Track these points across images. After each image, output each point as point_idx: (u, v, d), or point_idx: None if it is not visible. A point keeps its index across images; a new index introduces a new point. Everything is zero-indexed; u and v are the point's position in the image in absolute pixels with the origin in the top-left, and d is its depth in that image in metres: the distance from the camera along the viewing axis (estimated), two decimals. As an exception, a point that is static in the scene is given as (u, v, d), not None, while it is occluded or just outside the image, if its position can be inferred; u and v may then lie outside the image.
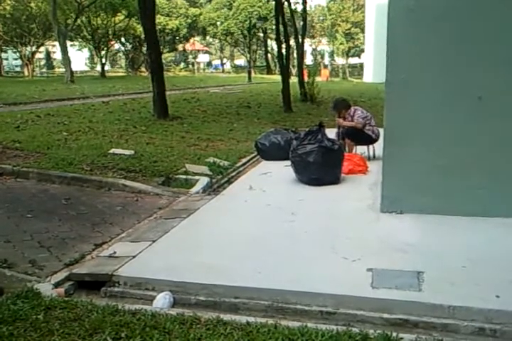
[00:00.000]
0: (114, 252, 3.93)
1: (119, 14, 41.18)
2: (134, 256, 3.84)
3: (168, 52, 57.35)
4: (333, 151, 6.14)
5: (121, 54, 61.48)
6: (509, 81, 4.36)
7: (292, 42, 20.35)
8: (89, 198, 5.64)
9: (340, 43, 57.38)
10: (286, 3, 19.40)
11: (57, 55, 62.00)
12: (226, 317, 2.93)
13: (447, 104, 4.52)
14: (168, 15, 49.69)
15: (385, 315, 3.01)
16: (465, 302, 2.99)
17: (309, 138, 6.23)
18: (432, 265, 3.51)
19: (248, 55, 49.95)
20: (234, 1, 54.19)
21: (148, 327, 2.75)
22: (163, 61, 14.28)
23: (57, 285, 3.44)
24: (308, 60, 58.53)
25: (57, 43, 37.08)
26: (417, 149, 4.66)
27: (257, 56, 67.43)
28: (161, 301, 3.23)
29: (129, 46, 50.80)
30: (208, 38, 64.40)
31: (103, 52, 44.82)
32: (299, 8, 24.05)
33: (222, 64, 72.80)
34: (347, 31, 56.26)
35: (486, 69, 4.37)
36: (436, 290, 3.14)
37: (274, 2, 18.14)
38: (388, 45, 4.55)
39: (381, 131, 5.24)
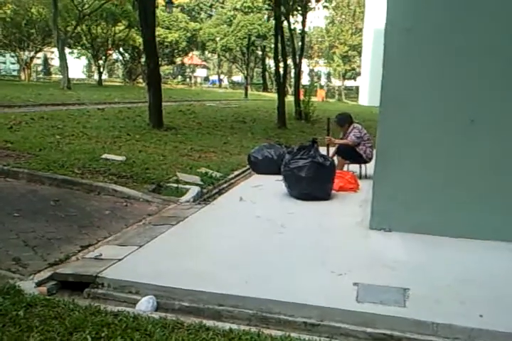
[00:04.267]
0: (100, 254, 3.89)
1: (119, 24, 41.40)
2: (119, 259, 3.80)
3: (167, 64, 57.63)
4: (325, 167, 6.17)
5: (119, 64, 61.70)
6: (502, 103, 4.42)
7: (290, 61, 20.55)
8: (78, 201, 5.60)
9: (337, 65, 58.04)
10: (285, 23, 19.69)
11: (55, 62, 62.12)
12: (209, 323, 2.90)
13: (440, 124, 4.57)
14: (168, 28, 50.06)
15: (369, 330, 3.00)
16: (449, 319, 2.98)
17: (302, 153, 6.26)
18: (418, 282, 3.52)
19: (245, 72, 50.36)
20: (234, 18, 54.82)
21: (129, 329, 2.72)
22: (161, 73, 14.35)
23: (40, 283, 3.40)
24: (305, 80, 59.06)
25: (55, 50, 37.20)
26: (408, 168, 4.70)
27: (255, 73, 68.00)
28: (145, 304, 3.19)
29: (128, 56, 51.01)
30: (206, 53, 64.96)
31: (101, 61, 44.97)
32: (298, 27, 24.33)
33: (220, 79, 73.23)
34: (344, 54, 56.93)
35: (480, 91, 4.44)
36: (421, 307, 3.14)
37: (274, 21, 18.39)
38: (384, 63, 4.61)
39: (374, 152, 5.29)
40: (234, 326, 2.90)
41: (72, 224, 4.79)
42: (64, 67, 30.66)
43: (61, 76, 32.49)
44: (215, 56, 65.85)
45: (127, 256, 3.89)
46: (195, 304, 3.25)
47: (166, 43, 49.47)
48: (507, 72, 4.39)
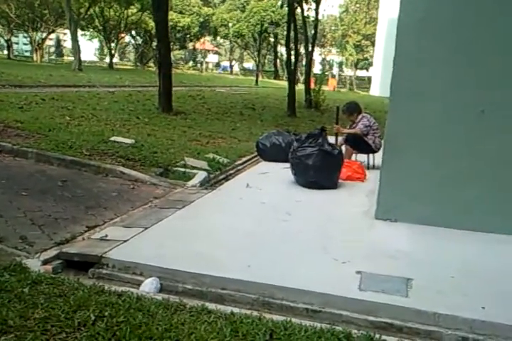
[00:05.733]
0: (106, 235, 3.92)
1: (132, 7, 41.19)
2: (125, 241, 3.83)
3: (178, 49, 57.48)
4: (333, 156, 6.14)
5: (130, 47, 61.62)
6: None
7: (302, 49, 20.39)
8: (85, 182, 5.63)
9: (350, 54, 57.57)
10: (299, 10, 19.48)
11: (68, 44, 62.12)
12: (211, 306, 2.92)
13: (449, 115, 4.53)
14: (180, 13, 49.84)
15: (370, 318, 3.00)
16: (451, 311, 2.98)
17: (310, 141, 6.23)
18: (422, 273, 3.51)
19: (257, 59, 50.06)
20: (247, 4, 54.42)
21: (132, 309, 2.74)
22: (172, 58, 14.34)
23: (45, 262, 3.42)
24: (317, 69, 58.65)
25: (68, 32, 37.13)
26: (416, 159, 4.67)
27: (266, 60, 67.63)
28: (148, 286, 3.22)
29: (140, 40, 50.89)
30: (218, 38, 64.59)
31: (113, 44, 44.88)
32: (312, 15, 24.04)
33: (231, 66, 72.92)
34: (357, 43, 56.44)
35: (492, 83, 4.38)
36: (423, 297, 3.14)
37: (287, 8, 18.22)
38: (396, 53, 4.57)
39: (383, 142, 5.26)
40: (236, 310, 2.92)
41: (79, 204, 4.82)
42: (76, 49, 30.70)
43: (73, 58, 32.50)
44: (227, 42, 65.53)
45: (132, 237, 3.92)
46: (198, 287, 3.28)
47: (178, 28, 49.30)
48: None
